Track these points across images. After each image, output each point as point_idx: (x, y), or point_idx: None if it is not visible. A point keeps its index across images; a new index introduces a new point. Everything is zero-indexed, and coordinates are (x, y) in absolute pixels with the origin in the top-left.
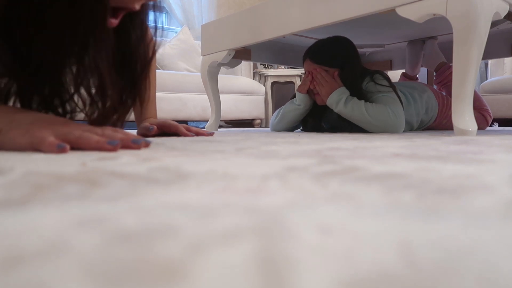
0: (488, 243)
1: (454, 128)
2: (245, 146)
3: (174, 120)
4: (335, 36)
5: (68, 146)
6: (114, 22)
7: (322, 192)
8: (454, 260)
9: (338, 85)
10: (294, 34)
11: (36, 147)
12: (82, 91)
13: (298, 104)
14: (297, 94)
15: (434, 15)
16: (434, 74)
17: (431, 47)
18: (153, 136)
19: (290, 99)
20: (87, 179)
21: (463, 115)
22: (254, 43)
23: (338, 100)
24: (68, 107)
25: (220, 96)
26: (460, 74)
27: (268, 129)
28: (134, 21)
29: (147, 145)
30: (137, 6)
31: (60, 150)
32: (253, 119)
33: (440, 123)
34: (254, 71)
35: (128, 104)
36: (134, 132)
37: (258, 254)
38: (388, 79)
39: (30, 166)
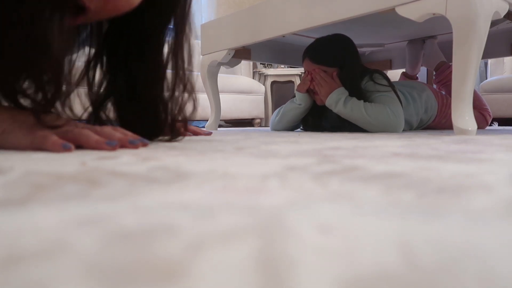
0: (487, 243)
1: (454, 127)
2: (245, 145)
3: None
4: (335, 35)
5: (73, 146)
6: (71, 21)
7: (322, 192)
8: (453, 259)
9: (337, 85)
10: (294, 34)
11: (38, 146)
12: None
13: (299, 104)
14: (297, 94)
15: (433, 14)
16: (434, 73)
17: (431, 46)
18: None
19: (291, 99)
20: (87, 179)
21: (463, 115)
22: (253, 42)
23: (337, 101)
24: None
25: (219, 95)
26: (459, 73)
27: (268, 128)
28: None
29: (144, 145)
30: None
31: (65, 149)
32: (252, 119)
33: (440, 122)
34: (254, 70)
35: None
36: None
37: (258, 254)
38: (387, 78)
39: (30, 166)
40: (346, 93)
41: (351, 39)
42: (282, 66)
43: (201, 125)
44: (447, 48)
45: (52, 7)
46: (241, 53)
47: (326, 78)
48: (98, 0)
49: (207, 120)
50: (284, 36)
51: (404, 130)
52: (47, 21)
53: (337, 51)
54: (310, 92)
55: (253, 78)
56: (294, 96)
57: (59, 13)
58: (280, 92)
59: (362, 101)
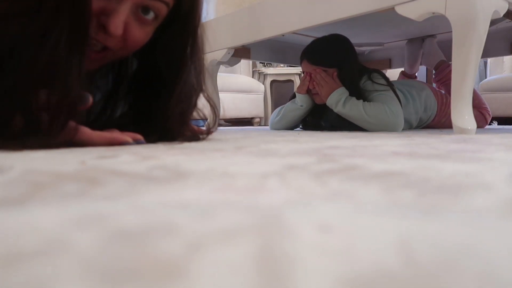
0: (487, 242)
1: (453, 126)
2: (244, 144)
3: None
4: (332, 35)
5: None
6: (94, 56)
7: (322, 191)
8: (453, 258)
9: (338, 85)
10: (293, 33)
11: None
12: None
13: (301, 105)
14: (297, 95)
15: (433, 13)
16: (434, 72)
17: (430, 45)
18: None
19: (290, 99)
20: (86, 178)
21: (463, 114)
22: (253, 41)
23: (338, 101)
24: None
25: (219, 94)
26: (459, 72)
27: (267, 127)
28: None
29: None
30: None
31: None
32: (252, 118)
33: (439, 121)
34: (254, 69)
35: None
36: None
37: (257, 253)
38: (385, 77)
39: (29, 165)
40: (347, 93)
41: (348, 38)
42: (282, 65)
43: (200, 125)
44: (446, 47)
45: (70, 50)
46: (240, 52)
47: (326, 78)
48: (117, 40)
49: (206, 119)
50: (283, 35)
51: (403, 129)
52: (66, 63)
53: (335, 51)
54: (309, 92)
55: (252, 77)
56: (294, 96)
57: (78, 55)
58: (279, 91)
59: (361, 100)
